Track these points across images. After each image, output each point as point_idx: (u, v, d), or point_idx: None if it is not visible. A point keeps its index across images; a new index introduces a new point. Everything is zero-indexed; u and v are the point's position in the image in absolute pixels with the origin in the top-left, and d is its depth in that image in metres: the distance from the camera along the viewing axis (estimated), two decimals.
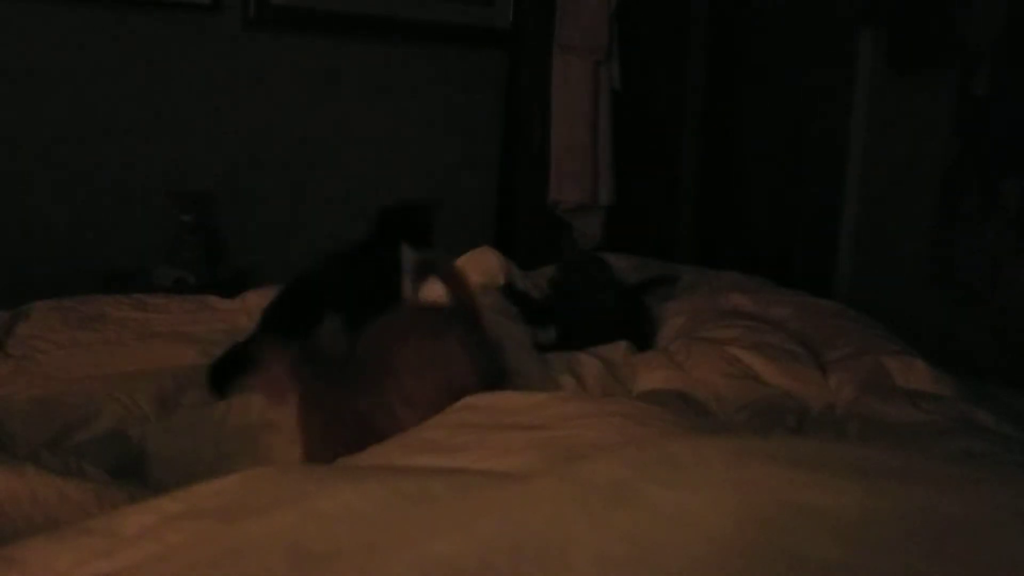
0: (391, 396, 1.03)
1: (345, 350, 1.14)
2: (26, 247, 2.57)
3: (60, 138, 2.59)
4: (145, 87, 2.67)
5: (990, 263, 2.09)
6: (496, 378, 1.13)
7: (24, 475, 0.90)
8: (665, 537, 0.40)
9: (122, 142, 2.66)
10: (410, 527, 0.45)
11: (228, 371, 1.50)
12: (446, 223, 1.94)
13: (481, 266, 1.95)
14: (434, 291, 1.29)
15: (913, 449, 1.23)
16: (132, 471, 1.20)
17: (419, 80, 2.99)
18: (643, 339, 1.84)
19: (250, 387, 1.34)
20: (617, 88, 2.99)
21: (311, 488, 0.55)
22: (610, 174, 3.00)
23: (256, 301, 1.98)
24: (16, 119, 2.54)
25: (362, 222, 1.88)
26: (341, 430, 1.02)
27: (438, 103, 3.03)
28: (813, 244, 2.80)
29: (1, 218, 2.54)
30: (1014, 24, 2.00)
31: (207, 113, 2.75)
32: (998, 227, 2.06)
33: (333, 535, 0.46)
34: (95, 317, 1.80)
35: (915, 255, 2.35)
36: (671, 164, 3.37)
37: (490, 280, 1.90)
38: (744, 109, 3.17)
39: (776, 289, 2.15)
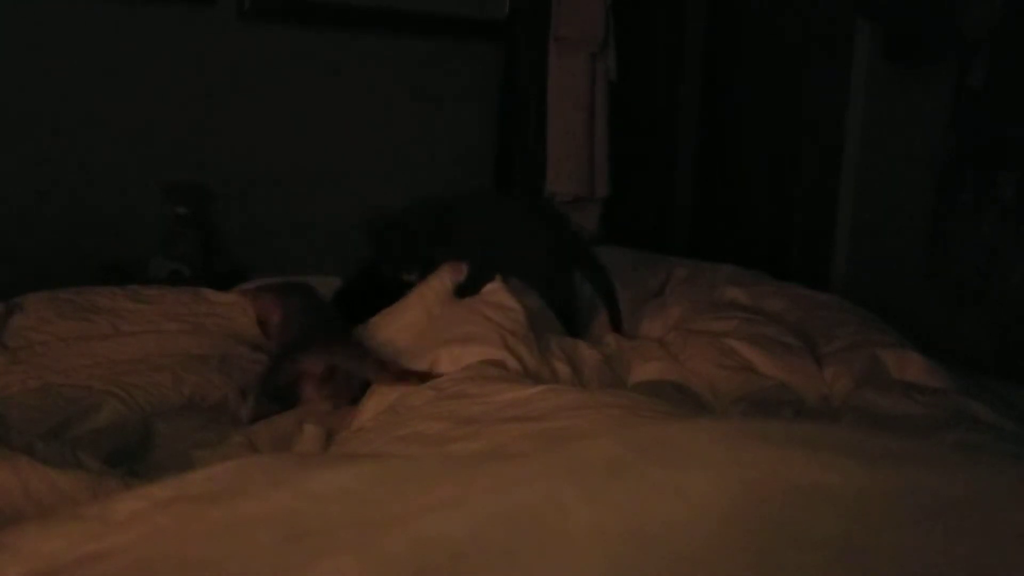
0: None
1: None
2: (21, 238, 2.56)
3: (55, 130, 2.58)
4: (140, 79, 2.66)
5: (986, 256, 2.09)
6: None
7: (16, 467, 0.90)
8: (663, 513, 0.40)
9: (117, 134, 2.65)
10: (403, 504, 0.45)
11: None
12: None
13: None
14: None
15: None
16: (129, 462, 1.20)
17: (415, 72, 2.98)
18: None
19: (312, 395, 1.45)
20: (613, 80, 2.98)
21: (304, 472, 0.55)
22: (607, 166, 2.99)
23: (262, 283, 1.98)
24: (10, 111, 2.53)
25: (357, 215, 1.90)
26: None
27: (434, 95, 3.02)
28: (810, 237, 2.80)
29: None
30: (1011, 16, 2.00)
31: (202, 105, 2.73)
32: (994, 220, 2.06)
33: (326, 513, 0.45)
34: (89, 308, 1.79)
35: (911, 248, 2.35)
36: (668, 157, 3.37)
37: None
38: (741, 102, 3.17)
39: (773, 282, 2.15)
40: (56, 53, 2.55)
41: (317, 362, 1.44)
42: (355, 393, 1.43)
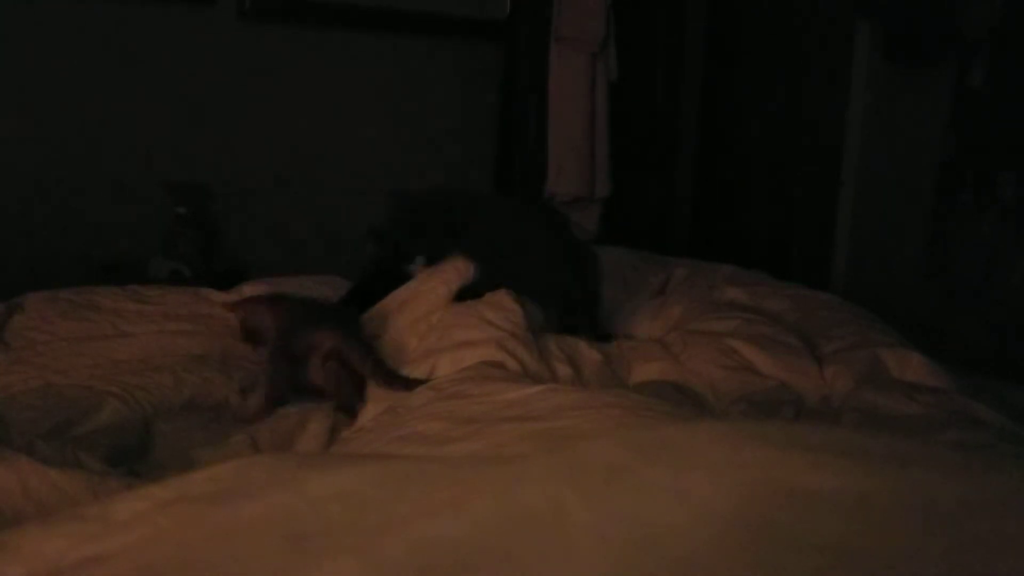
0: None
1: None
2: (21, 238, 2.56)
3: (56, 130, 2.58)
4: (140, 79, 2.66)
5: (985, 256, 2.09)
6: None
7: (16, 467, 0.90)
8: (663, 515, 0.40)
9: (118, 134, 2.65)
10: (404, 507, 0.45)
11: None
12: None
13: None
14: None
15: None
16: (130, 462, 1.20)
17: (416, 72, 2.98)
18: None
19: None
20: (613, 80, 2.98)
21: (305, 472, 0.55)
22: (607, 166, 2.99)
23: (251, 294, 1.98)
24: (11, 111, 2.53)
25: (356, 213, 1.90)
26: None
27: (435, 95, 3.02)
28: (810, 237, 2.80)
29: None
30: (1011, 15, 2.00)
31: (202, 105, 2.73)
32: (994, 220, 2.06)
33: (326, 516, 0.45)
34: (90, 308, 1.79)
35: (911, 248, 2.35)
36: (668, 157, 3.37)
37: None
38: (741, 103, 3.17)
39: (773, 282, 2.15)
40: (56, 53, 2.55)
41: (327, 337, 1.43)
42: (352, 388, 1.42)
